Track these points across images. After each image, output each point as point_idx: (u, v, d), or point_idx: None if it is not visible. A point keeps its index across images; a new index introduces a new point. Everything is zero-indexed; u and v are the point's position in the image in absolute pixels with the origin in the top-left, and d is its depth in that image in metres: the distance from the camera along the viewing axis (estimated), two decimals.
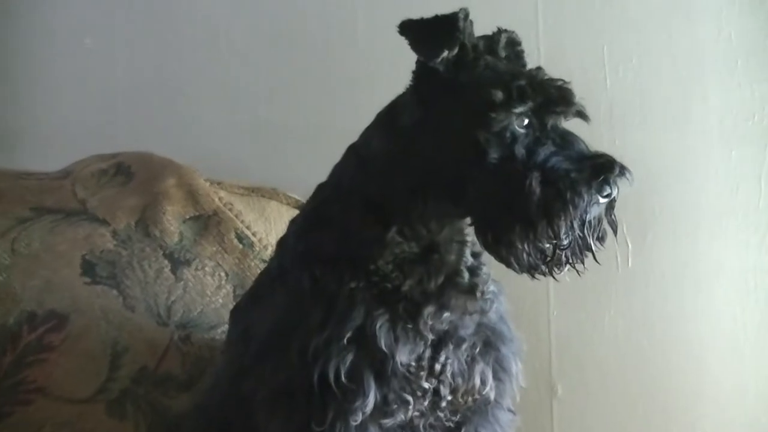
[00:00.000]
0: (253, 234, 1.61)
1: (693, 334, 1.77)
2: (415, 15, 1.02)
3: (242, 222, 1.62)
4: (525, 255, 0.98)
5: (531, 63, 1.10)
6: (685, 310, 1.77)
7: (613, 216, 1.02)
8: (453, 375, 1.10)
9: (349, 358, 1.03)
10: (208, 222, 1.60)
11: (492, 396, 1.14)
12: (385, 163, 1.06)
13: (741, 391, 1.75)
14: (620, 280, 1.79)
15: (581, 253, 1.00)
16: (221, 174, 1.73)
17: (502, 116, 0.98)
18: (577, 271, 1.02)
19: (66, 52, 2.09)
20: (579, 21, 1.78)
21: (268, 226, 1.64)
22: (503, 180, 0.97)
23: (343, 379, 1.03)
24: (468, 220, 1.07)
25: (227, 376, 1.17)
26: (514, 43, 1.09)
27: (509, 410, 1.20)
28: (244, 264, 1.58)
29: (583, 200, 0.96)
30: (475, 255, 1.12)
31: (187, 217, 1.59)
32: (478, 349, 1.12)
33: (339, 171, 1.12)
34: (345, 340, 1.04)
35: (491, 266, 1.12)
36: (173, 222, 1.57)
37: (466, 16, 1.02)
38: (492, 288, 1.14)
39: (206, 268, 1.54)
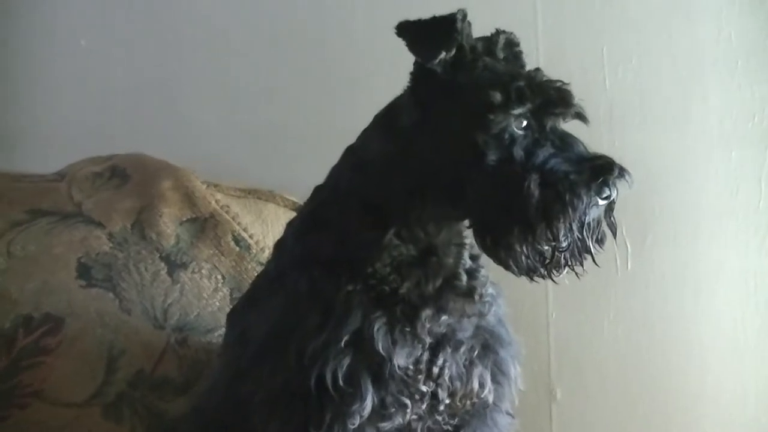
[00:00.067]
0: (250, 236, 1.61)
1: (693, 336, 1.77)
2: (414, 16, 1.02)
3: (239, 224, 1.61)
4: (524, 257, 0.97)
5: (530, 64, 1.09)
6: (685, 311, 1.77)
7: (612, 218, 1.01)
8: (451, 378, 1.09)
9: (347, 361, 1.03)
10: (204, 224, 1.59)
11: (490, 399, 1.13)
12: (383, 165, 1.06)
13: (741, 393, 1.75)
14: (620, 282, 1.78)
15: (580, 256, 0.99)
16: (220, 174, 1.72)
17: (501, 118, 0.98)
18: (576, 273, 1.01)
19: (66, 52, 2.09)
20: (578, 21, 1.77)
21: (266, 229, 1.63)
22: (502, 182, 0.97)
23: (340, 382, 1.03)
24: (466, 222, 1.06)
25: (224, 379, 1.16)
26: (512, 44, 1.09)
27: (508, 413, 1.19)
28: (241, 267, 1.57)
29: (582, 202, 0.95)
30: (474, 258, 1.12)
31: (184, 219, 1.59)
32: (476, 353, 1.11)
33: (337, 173, 1.12)
34: (342, 343, 1.03)
35: (490, 269, 1.12)
36: (170, 224, 1.57)
37: (464, 17, 1.01)
38: (490, 291, 1.14)
39: (203, 271, 1.54)
